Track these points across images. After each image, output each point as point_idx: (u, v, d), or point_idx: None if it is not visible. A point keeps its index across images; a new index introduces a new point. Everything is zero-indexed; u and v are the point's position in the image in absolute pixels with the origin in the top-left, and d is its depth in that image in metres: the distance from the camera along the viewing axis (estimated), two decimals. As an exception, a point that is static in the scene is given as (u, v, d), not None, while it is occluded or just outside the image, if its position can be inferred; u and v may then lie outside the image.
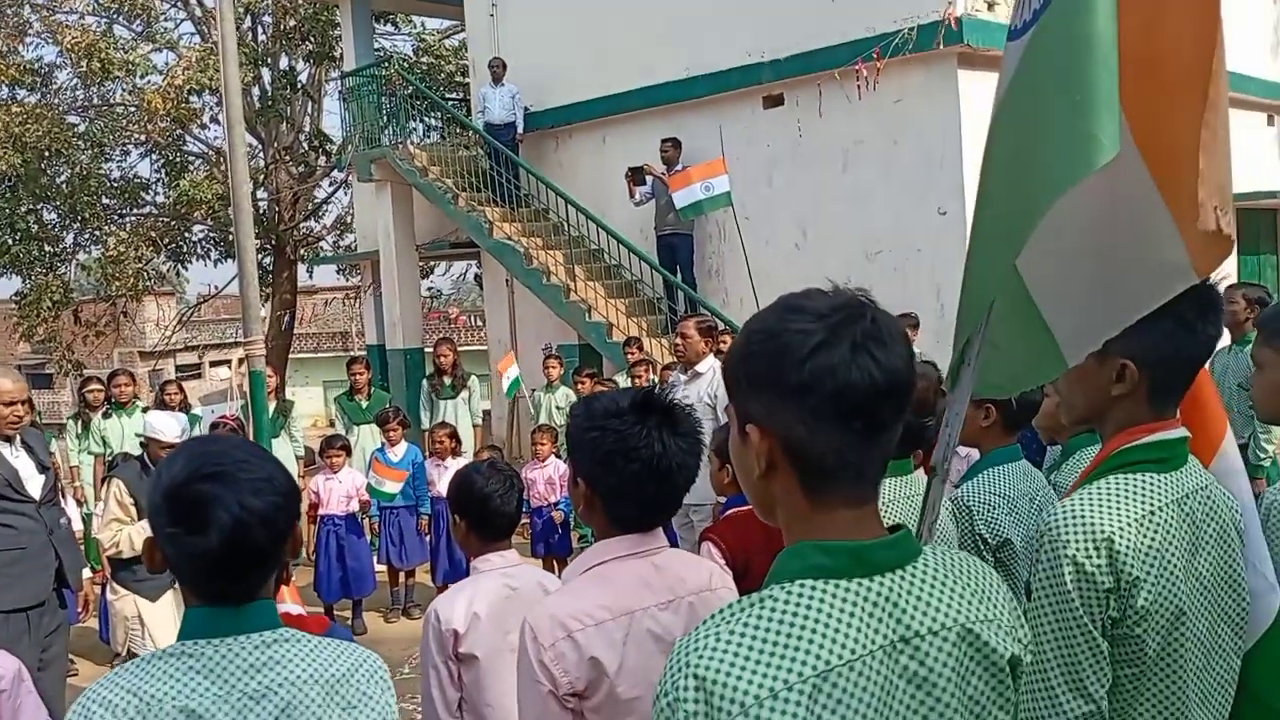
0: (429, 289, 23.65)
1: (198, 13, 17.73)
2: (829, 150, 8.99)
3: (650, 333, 9.55)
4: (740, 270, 8.78)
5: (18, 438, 4.21)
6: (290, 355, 19.72)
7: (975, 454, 2.74)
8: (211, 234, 18.43)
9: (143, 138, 17.16)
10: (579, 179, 10.81)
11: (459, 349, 9.45)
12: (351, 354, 20.04)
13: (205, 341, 30.65)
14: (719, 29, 9.45)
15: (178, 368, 27.75)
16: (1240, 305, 5.22)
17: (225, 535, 1.37)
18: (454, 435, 7.20)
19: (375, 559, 7.03)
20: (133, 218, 18.19)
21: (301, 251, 19.24)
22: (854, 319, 1.11)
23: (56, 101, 17.15)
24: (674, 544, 2.52)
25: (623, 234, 9.95)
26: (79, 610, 5.05)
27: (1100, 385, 1.65)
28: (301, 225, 19.07)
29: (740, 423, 1.18)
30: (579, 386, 7.73)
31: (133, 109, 17.03)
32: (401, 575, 7.10)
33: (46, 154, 15.75)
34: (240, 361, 10.98)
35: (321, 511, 6.68)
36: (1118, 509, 1.55)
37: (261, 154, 18.14)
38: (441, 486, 6.75)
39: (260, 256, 16.50)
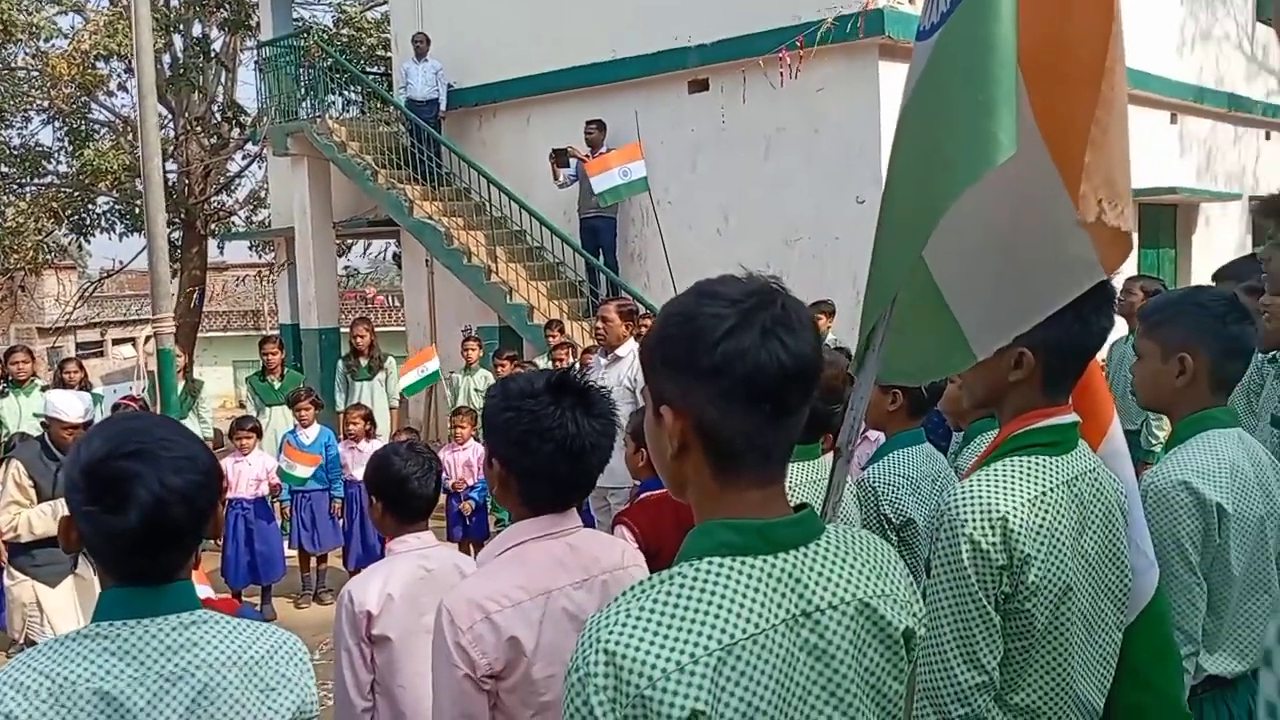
0: (345, 268, 23.22)
1: (105, -25, 17.06)
2: (752, 137, 9.07)
3: (572, 316, 9.54)
4: (662, 254, 8.83)
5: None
6: (199, 334, 19.19)
7: (884, 437, 2.83)
8: (117, 206, 17.79)
9: (45, 104, 16.47)
10: (502, 159, 10.69)
11: (376, 329, 9.31)
12: (264, 333, 19.57)
13: (108, 318, 29.54)
14: (646, 12, 9.44)
15: (78, 345, 26.66)
16: (1138, 297, 5.40)
17: (145, 513, 1.34)
18: (369, 418, 7.11)
19: (286, 544, 6.90)
20: (33, 188, 17.49)
21: (212, 226, 18.69)
22: (765, 305, 1.15)
23: (-48, 64, 16.39)
24: (590, 527, 2.54)
25: (545, 216, 9.90)
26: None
27: (999, 372, 1.73)
28: (213, 199, 18.52)
29: (655, 404, 1.21)
30: (499, 369, 7.68)
31: (35, 74, 16.30)
32: (313, 560, 6.98)
33: (-59, 118, 15.05)
34: (147, 339, 10.62)
35: (230, 495, 6.52)
36: (1012, 490, 1.63)
37: (172, 124, 17.53)
38: (355, 470, 6.66)
39: (169, 231, 15.95)
